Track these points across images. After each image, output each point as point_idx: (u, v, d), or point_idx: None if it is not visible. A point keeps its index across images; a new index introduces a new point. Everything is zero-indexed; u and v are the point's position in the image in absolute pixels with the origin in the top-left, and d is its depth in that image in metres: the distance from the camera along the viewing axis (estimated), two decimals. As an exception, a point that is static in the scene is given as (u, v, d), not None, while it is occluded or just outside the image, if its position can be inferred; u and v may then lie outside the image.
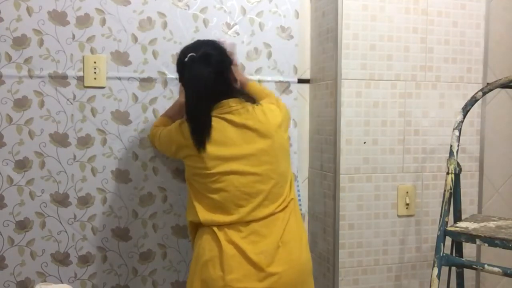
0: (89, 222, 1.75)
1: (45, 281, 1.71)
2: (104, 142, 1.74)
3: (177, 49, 1.75)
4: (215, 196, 1.47)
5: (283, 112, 1.58)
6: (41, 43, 1.66)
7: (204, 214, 1.48)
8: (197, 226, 1.54)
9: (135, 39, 1.74)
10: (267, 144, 1.49)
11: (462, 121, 1.62)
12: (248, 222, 1.47)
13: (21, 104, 1.67)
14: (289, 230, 1.50)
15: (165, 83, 1.77)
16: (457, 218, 1.68)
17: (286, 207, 1.52)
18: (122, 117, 1.75)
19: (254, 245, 1.45)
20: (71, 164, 1.72)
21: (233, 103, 1.49)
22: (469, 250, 1.88)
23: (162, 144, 1.63)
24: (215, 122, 1.48)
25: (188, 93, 1.50)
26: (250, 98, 1.58)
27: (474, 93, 1.69)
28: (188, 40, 1.77)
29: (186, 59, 1.48)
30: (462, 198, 1.70)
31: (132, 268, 1.80)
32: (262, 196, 1.48)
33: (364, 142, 1.78)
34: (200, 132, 1.47)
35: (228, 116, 1.48)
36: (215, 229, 1.47)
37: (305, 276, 1.53)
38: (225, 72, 1.52)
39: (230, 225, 1.47)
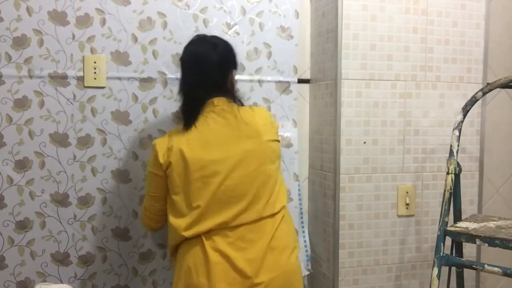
0: (89, 222, 1.75)
1: (45, 281, 1.71)
2: (104, 142, 1.74)
3: (177, 49, 1.77)
4: (199, 203, 1.42)
5: (270, 119, 1.57)
6: (41, 43, 1.66)
7: (187, 228, 1.43)
8: (178, 247, 1.50)
9: (135, 39, 1.74)
10: (254, 144, 1.47)
11: (462, 121, 1.62)
12: (234, 227, 1.43)
13: (21, 104, 1.67)
14: (278, 236, 1.46)
15: (165, 83, 1.77)
16: (457, 218, 1.68)
17: (276, 213, 1.48)
18: (122, 117, 1.75)
19: (241, 252, 1.41)
20: (71, 164, 1.72)
21: (219, 102, 1.49)
22: (469, 250, 1.88)
23: (151, 183, 1.54)
24: (200, 120, 1.48)
25: (188, 69, 1.51)
26: (239, 100, 1.58)
27: (474, 93, 1.69)
28: (188, 40, 1.77)
29: (196, 37, 1.55)
30: (462, 198, 1.70)
31: (132, 268, 1.80)
32: (248, 199, 1.43)
33: (364, 142, 1.78)
34: (193, 111, 1.48)
35: (213, 115, 1.47)
36: (203, 237, 1.42)
37: (294, 284, 1.48)
38: (226, 67, 1.54)
39: (216, 230, 1.42)
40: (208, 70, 1.49)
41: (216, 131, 1.46)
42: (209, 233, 1.43)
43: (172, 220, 1.47)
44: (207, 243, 1.42)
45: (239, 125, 1.48)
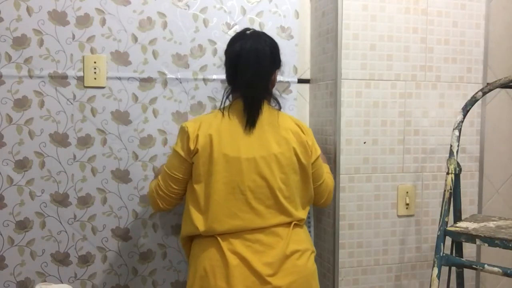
0: (89, 222, 1.75)
1: (45, 281, 1.71)
2: (104, 142, 1.74)
3: (177, 49, 1.77)
4: (217, 198, 1.40)
5: (311, 142, 1.53)
6: (41, 43, 1.66)
7: (204, 223, 1.41)
8: (192, 240, 1.49)
9: (135, 39, 1.74)
10: (282, 150, 1.44)
11: (462, 121, 1.62)
12: (252, 230, 1.41)
13: (21, 104, 1.67)
14: (296, 240, 1.45)
15: (165, 83, 1.77)
16: (457, 218, 1.68)
17: (293, 221, 1.46)
18: (122, 117, 1.75)
19: (258, 255, 1.39)
20: (71, 164, 1.72)
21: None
22: (469, 250, 1.88)
23: (175, 164, 1.47)
24: (235, 113, 1.47)
25: (244, 64, 1.45)
26: (275, 99, 1.56)
27: (474, 93, 1.69)
28: (188, 40, 1.78)
29: (248, 32, 1.51)
30: (462, 198, 1.70)
31: (132, 268, 1.80)
32: (268, 204, 1.42)
33: (364, 142, 1.78)
34: (255, 108, 1.44)
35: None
36: (219, 238, 1.40)
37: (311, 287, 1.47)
38: (273, 65, 1.52)
39: (234, 233, 1.40)
40: (263, 65, 1.46)
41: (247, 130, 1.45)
42: (225, 234, 1.41)
43: (192, 209, 1.44)
44: (224, 245, 1.39)
45: (273, 129, 1.46)
